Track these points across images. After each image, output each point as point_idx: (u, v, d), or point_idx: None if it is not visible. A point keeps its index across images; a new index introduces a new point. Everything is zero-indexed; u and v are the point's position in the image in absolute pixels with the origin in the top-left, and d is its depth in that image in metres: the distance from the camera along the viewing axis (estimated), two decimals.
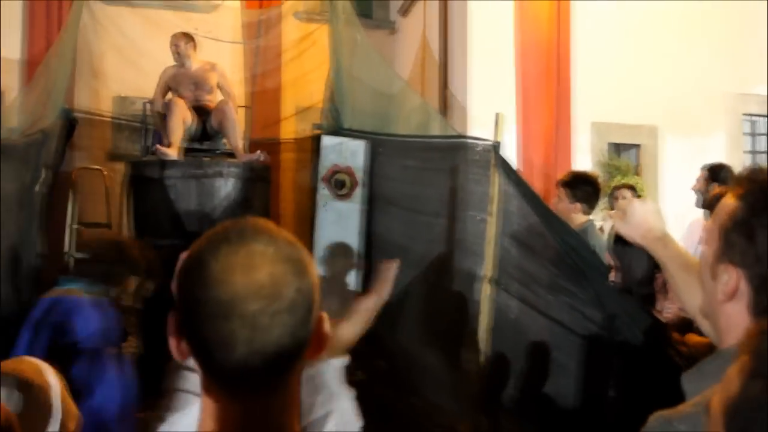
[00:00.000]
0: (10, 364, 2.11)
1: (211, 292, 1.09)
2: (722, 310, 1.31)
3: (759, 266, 1.23)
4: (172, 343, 1.18)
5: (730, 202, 1.31)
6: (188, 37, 7.42)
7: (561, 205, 4.97)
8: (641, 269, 4.05)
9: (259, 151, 7.22)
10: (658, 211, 2.05)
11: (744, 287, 1.27)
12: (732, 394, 0.96)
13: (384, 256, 6.86)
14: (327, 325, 1.21)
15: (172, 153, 6.77)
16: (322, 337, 1.20)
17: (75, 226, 7.12)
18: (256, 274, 1.10)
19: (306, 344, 1.16)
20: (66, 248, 6.88)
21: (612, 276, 4.30)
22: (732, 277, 1.27)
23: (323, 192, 6.89)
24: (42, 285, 6.95)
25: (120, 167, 7.64)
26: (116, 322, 3.81)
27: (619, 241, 4.08)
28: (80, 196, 7.56)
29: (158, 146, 6.83)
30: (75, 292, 3.80)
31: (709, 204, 3.51)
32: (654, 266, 4.15)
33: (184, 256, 1.18)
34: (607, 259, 4.24)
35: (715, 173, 4.92)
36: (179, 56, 7.33)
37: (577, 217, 4.90)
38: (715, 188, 4.81)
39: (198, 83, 7.30)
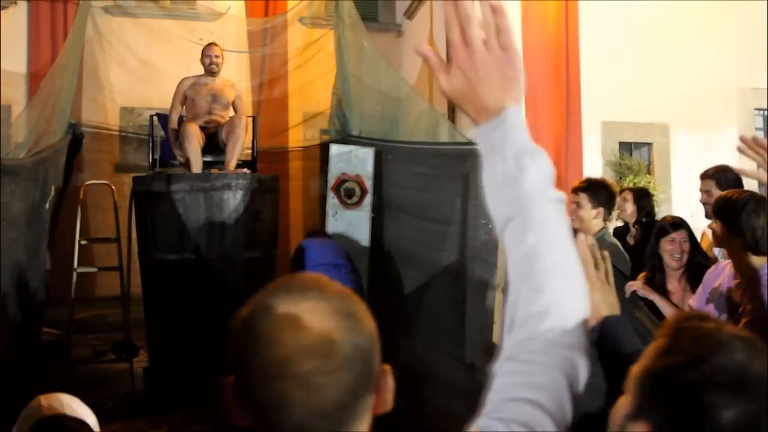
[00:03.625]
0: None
1: (263, 353, 1.05)
2: None
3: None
4: (230, 407, 1.12)
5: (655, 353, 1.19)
6: (220, 50, 7.42)
7: (582, 211, 4.80)
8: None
9: (245, 169, 7.20)
10: None
11: None
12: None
13: (396, 265, 6.86)
14: (391, 378, 1.14)
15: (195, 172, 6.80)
16: (387, 391, 1.14)
17: (83, 242, 7.09)
18: (308, 332, 1.05)
19: (370, 400, 1.10)
20: (75, 265, 6.83)
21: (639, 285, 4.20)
22: None
23: (332, 201, 6.83)
24: (50, 302, 6.98)
25: (128, 180, 7.60)
26: None
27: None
28: (89, 210, 7.53)
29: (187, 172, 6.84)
30: None
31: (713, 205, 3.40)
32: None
33: (235, 317, 1.13)
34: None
35: (719, 180, 4.76)
36: (214, 66, 7.29)
37: (595, 223, 4.76)
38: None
39: (216, 96, 7.27)
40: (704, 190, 4.78)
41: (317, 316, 1.07)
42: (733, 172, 4.72)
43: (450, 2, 1.28)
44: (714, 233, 3.31)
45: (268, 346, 1.05)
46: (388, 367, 1.14)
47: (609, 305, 1.88)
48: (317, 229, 7.23)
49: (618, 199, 5.98)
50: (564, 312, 1.16)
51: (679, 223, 4.33)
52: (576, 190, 4.78)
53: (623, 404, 1.18)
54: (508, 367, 1.15)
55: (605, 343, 1.85)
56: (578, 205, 4.72)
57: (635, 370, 1.18)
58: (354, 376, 1.06)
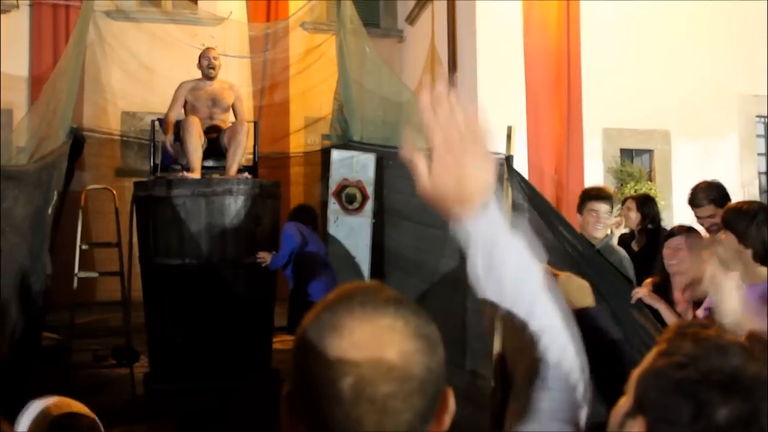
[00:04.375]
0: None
1: (335, 373, 0.99)
2: None
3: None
4: (287, 426, 1.07)
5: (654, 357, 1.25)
6: (217, 53, 7.39)
7: (631, 213, 4.94)
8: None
9: (246, 174, 7.17)
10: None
11: None
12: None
13: (396, 271, 6.86)
14: (452, 401, 1.10)
15: (196, 177, 6.74)
16: (448, 414, 1.09)
17: (84, 247, 7.09)
18: (385, 353, 1.00)
19: (432, 423, 1.06)
20: (76, 269, 6.84)
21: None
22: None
23: (333, 207, 6.84)
24: (50, 306, 6.98)
25: (129, 184, 7.60)
26: None
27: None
28: (90, 215, 7.53)
29: (185, 174, 6.79)
30: None
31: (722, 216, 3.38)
32: None
33: (301, 330, 1.07)
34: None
35: (717, 201, 4.72)
36: (212, 70, 7.25)
37: (596, 231, 4.80)
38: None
39: (216, 100, 7.23)
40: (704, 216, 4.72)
41: (395, 336, 1.02)
42: (720, 189, 4.71)
43: (425, 91, 1.28)
44: (722, 244, 3.31)
45: (344, 365, 0.99)
46: (450, 389, 1.10)
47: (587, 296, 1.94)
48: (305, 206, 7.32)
49: (622, 208, 6.04)
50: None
51: (676, 232, 4.27)
52: (603, 199, 4.89)
53: (623, 404, 1.22)
54: None
55: (585, 334, 1.88)
56: (607, 213, 4.85)
57: (635, 371, 1.21)
58: (426, 400, 1.03)
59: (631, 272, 4.73)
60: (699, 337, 1.18)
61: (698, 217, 4.71)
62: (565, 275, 1.97)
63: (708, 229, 4.63)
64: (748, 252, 3.13)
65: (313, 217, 6.90)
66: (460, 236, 1.30)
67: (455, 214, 1.28)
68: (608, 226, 4.86)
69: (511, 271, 1.30)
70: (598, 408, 1.40)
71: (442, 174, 1.27)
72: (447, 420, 1.08)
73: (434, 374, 1.03)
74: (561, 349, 1.30)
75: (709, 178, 5.32)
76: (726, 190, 4.67)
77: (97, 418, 2.19)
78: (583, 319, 1.89)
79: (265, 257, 6.30)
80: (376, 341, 1.00)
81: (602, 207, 4.88)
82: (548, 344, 1.29)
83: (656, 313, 4.06)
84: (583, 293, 1.95)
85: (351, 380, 0.98)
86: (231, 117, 7.44)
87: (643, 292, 4.16)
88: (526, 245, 1.33)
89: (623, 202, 6.28)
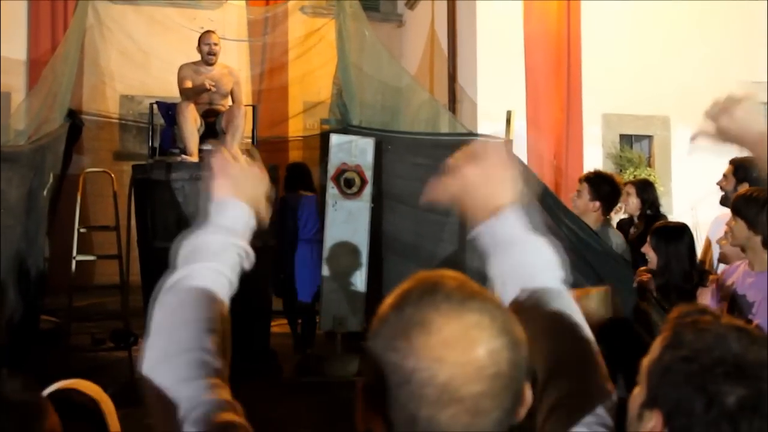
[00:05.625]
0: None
1: (424, 372, 0.96)
2: None
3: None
4: (362, 419, 1.05)
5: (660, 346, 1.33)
6: (218, 38, 7.34)
7: (580, 201, 4.84)
8: (681, 265, 3.94)
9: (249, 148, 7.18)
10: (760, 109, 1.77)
11: None
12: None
13: (394, 255, 6.86)
14: (530, 393, 1.07)
15: (194, 161, 6.73)
16: (525, 406, 1.07)
17: (82, 230, 7.08)
18: (475, 351, 0.97)
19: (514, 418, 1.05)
20: (74, 253, 6.83)
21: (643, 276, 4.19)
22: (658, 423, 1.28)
23: (332, 191, 6.82)
24: (48, 290, 6.98)
25: (127, 167, 7.59)
26: None
27: (660, 237, 3.97)
28: (88, 199, 7.52)
29: (184, 156, 6.78)
30: None
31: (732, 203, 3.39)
32: (694, 262, 4.06)
33: (380, 319, 1.04)
34: (647, 252, 4.10)
35: (746, 172, 4.71)
36: (212, 56, 7.20)
37: (594, 216, 4.78)
38: (744, 187, 4.64)
39: (215, 85, 7.20)
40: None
41: (484, 332, 0.99)
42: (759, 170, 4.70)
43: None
44: (732, 231, 3.31)
45: (434, 363, 0.96)
46: (528, 383, 1.07)
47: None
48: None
49: (627, 195, 5.97)
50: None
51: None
52: (580, 179, 4.81)
53: (637, 394, 1.29)
54: None
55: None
56: (578, 193, 4.76)
57: (645, 362, 1.28)
58: (513, 396, 1.01)
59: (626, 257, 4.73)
60: (699, 327, 1.24)
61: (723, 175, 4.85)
62: (581, 292, 1.97)
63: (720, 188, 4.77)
64: (758, 239, 3.14)
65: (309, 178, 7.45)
66: (483, 239, 1.48)
67: (475, 218, 1.48)
68: (582, 209, 4.81)
69: (530, 269, 1.42)
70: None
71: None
72: (523, 413, 1.07)
73: (519, 370, 1.02)
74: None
75: (707, 164, 5.34)
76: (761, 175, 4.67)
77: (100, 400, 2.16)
78: None
79: None
80: (466, 339, 0.98)
81: (582, 185, 4.84)
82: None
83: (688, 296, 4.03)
84: (602, 306, 1.96)
85: (442, 380, 0.96)
86: (230, 101, 7.42)
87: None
88: (547, 245, 1.46)
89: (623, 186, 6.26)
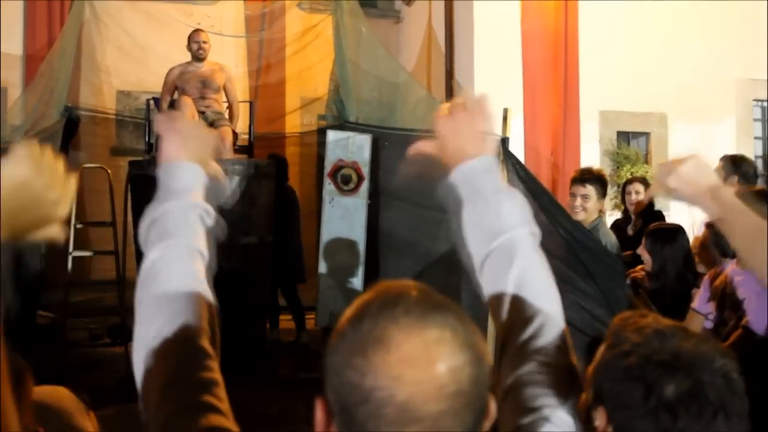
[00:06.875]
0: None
1: (383, 391, 0.92)
2: None
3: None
4: (322, 428, 1.01)
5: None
6: (206, 36, 7.46)
7: (589, 203, 4.80)
8: (676, 267, 3.96)
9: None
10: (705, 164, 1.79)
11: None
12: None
13: (391, 252, 6.86)
14: (494, 406, 1.03)
15: None
16: (489, 420, 1.03)
17: (79, 226, 7.07)
18: (436, 368, 0.93)
19: None
20: (70, 248, 6.82)
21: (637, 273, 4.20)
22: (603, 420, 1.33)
23: (329, 188, 6.83)
24: (45, 285, 6.97)
25: (124, 163, 7.59)
26: None
27: (656, 239, 3.99)
28: (84, 194, 7.51)
29: None
30: None
31: None
32: (689, 263, 4.08)
33: (338, 333, 1.00)
34: (642, 254, 4.10)
35: (736, 165, 4.71)
36: (201, 52, 7.33)
37: (576, 215, 4.76)
38: (735, 182, 4.65)
39: (206, 82, 7.29)
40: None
41: (444, 348, 0.95)
42: (749, 164, 4.71)
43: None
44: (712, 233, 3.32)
45: (391, 381, 0.92)
46: (492, 396, 1.04)
47: None
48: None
49: (629, 189, 5.93)
50: (553, 329, 1.32)
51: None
52: (584, 182, 4.77)
53: (584, 399, 1.31)
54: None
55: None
56: (585, 197, 4.72)
57: (589, 367, 1.35)
58: (475, 413, 0.98)
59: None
60: (639, 325, 1.32)
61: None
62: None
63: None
64: None
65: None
66: (456, 186, 1.51)
67: (453, 163, 1.51)
68: (590, 209, 4.78)
69: (512, 225, 1.43)
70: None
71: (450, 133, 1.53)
72: (487, 425, 1.03)
73: (482, 386, 0.98)
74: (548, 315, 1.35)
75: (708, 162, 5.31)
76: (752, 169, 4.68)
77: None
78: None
79: None
80: (426, 356, 0.94)
81: (579, 190, 4.81)
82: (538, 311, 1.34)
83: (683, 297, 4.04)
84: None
85: (401, 399, 0.92)
86: (223, 96, 7.46)
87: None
88: (519, 199, 1.49)
89: (624, 185, 6.22)
